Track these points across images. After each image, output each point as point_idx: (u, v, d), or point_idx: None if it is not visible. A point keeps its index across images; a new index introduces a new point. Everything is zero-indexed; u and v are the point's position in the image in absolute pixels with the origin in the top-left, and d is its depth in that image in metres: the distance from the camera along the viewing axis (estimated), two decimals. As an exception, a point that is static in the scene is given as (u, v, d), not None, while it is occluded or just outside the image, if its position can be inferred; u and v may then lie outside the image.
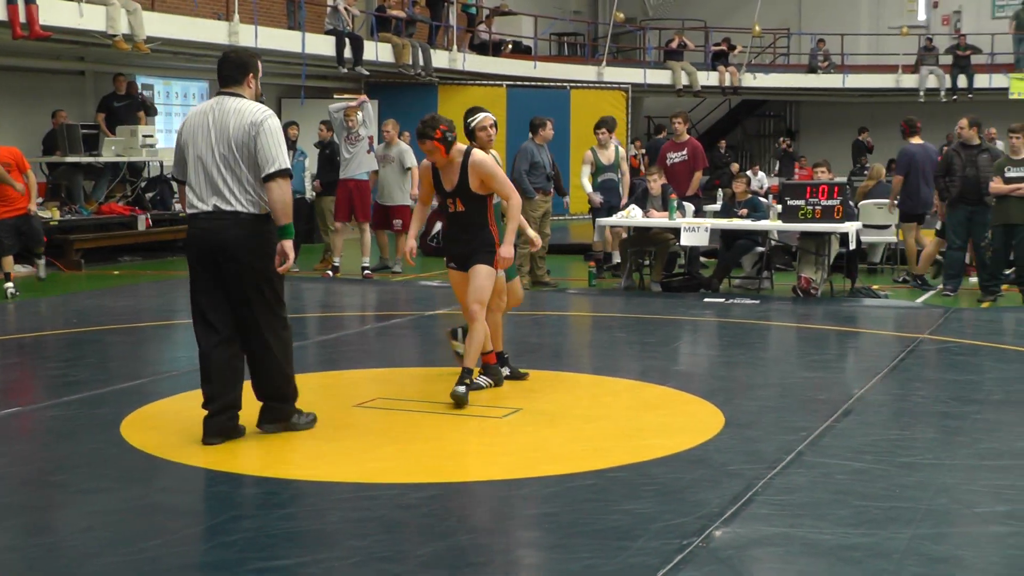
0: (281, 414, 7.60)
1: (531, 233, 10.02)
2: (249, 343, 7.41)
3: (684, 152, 16.47)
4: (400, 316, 13.06)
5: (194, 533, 5.76)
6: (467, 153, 8.73)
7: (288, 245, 7.20)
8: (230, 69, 7.38)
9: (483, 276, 8.70)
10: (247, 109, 7.22)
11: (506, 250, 8.73)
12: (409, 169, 17.25)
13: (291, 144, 17.33)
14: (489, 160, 8.82)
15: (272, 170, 7.11)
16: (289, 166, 7.22)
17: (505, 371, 9.29)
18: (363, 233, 17.04)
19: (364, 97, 17.61)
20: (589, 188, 16.67)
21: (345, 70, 23.28)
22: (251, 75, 7.39)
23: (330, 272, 16.91)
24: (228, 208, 7.19)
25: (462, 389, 8.37)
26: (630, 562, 5.24)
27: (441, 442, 7.53)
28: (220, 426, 7.34)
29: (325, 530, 5.72)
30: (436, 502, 6.27)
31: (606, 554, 5.36)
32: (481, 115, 9.40)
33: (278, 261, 7.22)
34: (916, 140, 16.29)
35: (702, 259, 16.76)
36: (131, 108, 20.19)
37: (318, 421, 7.75)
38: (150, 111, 20.95)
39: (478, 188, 8.70)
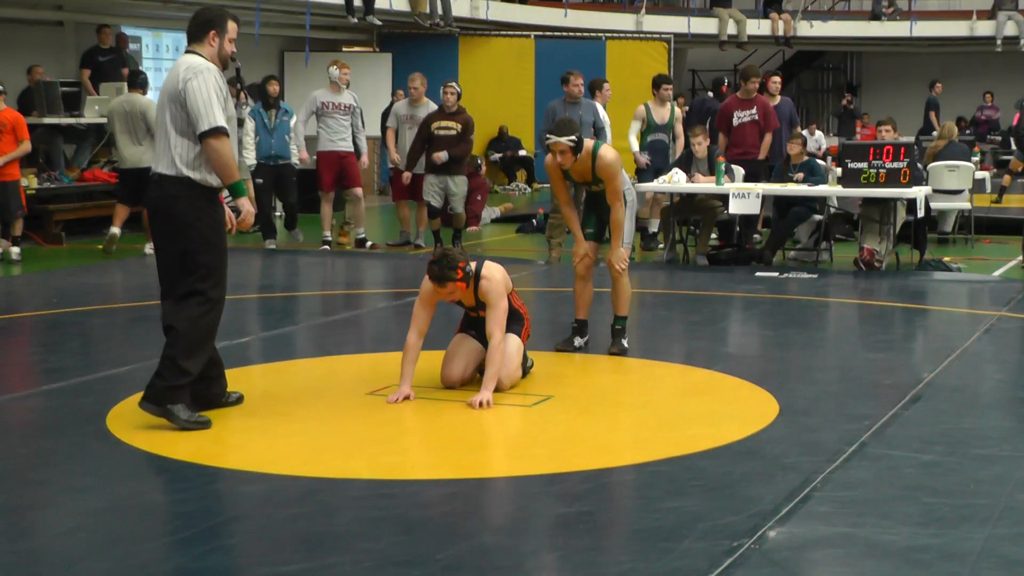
0: (157, 394, 7.49)
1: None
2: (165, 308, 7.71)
3: (753, 111, 16.32)
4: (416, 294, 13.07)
5: (189, 536, 5.75)
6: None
7: (243, 202, 7.56)
8: (194, 26, 7.74)
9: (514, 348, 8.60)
10: (182, 67, 7.54)
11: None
12: None
13: (273, 102, 17.04)
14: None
15: (201, 130, 7.39)
16: (220, 123, 7.42)
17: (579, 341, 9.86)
18: (357, 201, 16.87)
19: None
20: (636, 147, 16.56)
21: (355, 20, 23.22)
22: (213, 32, 7.66)
23: (343, 242, 16.82)
24: (155, 170, 7.61)
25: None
26: (674, 565, 5.24)
27: (463, 433, 7.55)
28: (194, 393, 7.63)
29: (336, 531, 5.74)
30: (458, 500, 6.29)
31: (648, 557, 5.36)
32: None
33: (231, 217, 7.72)
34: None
35: (759, 229, 16.57)
36: (117, 63, 20.04)
37: (337, 409, 7.76)
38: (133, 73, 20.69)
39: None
